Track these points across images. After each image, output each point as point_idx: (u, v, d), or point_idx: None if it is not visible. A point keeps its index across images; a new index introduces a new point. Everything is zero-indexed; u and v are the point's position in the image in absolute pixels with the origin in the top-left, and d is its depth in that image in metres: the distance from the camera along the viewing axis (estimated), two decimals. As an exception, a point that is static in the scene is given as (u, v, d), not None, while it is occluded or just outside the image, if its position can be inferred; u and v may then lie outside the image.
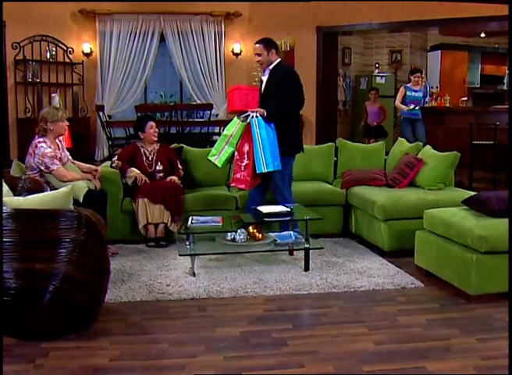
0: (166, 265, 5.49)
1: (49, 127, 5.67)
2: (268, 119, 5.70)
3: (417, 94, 10.23)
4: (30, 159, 5.60)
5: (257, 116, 5.67)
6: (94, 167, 6.13)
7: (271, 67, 5.90)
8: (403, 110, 10.11)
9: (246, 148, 5.72)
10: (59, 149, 5.81)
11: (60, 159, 5.69)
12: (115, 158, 6.59)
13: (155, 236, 6.15)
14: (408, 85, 10.35)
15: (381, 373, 3.38)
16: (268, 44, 5.90)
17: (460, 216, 4.88)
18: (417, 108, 9.98)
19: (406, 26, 12.08)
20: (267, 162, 5.61)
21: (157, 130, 6.63)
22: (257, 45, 5.89)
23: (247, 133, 5.72)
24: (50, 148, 5.60)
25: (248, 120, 5.71)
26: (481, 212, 4.81)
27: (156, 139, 6.63)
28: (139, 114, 10.03)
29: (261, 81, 6.06)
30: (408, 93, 10.18)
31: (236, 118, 5.86)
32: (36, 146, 5.58)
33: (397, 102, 10.35)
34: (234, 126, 5.80)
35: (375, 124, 12.29)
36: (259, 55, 5.87)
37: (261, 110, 5.72)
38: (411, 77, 10.35)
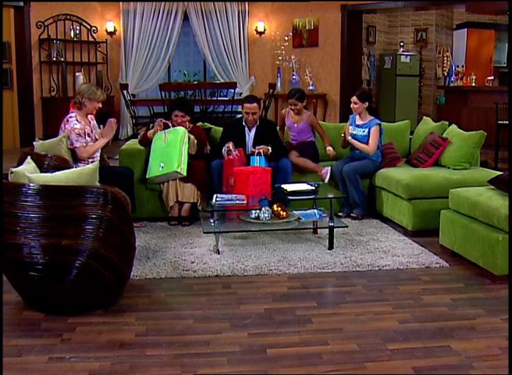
0: (191, 242, 5.51)
1: (84, 103, 5.75)
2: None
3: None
4: (61, 133, 5.72)
5: (259, 154, 6.14)
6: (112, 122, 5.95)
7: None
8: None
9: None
10: (89, 125, 5.85)
11: (88, 135, 5.76)
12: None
13: (179, 215, 6.16)
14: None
15: (405, 352, 3.38)
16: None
17: (486, 195, 4.84)
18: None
19: (431, 4, 11.88)
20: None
21: (182, 119, 6.34)
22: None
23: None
24: (79, 123, 5.69)
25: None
26: (507, 192, 4.76)
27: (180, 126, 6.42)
28: (163, 93, 10.04)
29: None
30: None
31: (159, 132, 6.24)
32: (67, 121, 5.71)
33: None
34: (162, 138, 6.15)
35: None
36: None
37: (266, 147, 6.25)
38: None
